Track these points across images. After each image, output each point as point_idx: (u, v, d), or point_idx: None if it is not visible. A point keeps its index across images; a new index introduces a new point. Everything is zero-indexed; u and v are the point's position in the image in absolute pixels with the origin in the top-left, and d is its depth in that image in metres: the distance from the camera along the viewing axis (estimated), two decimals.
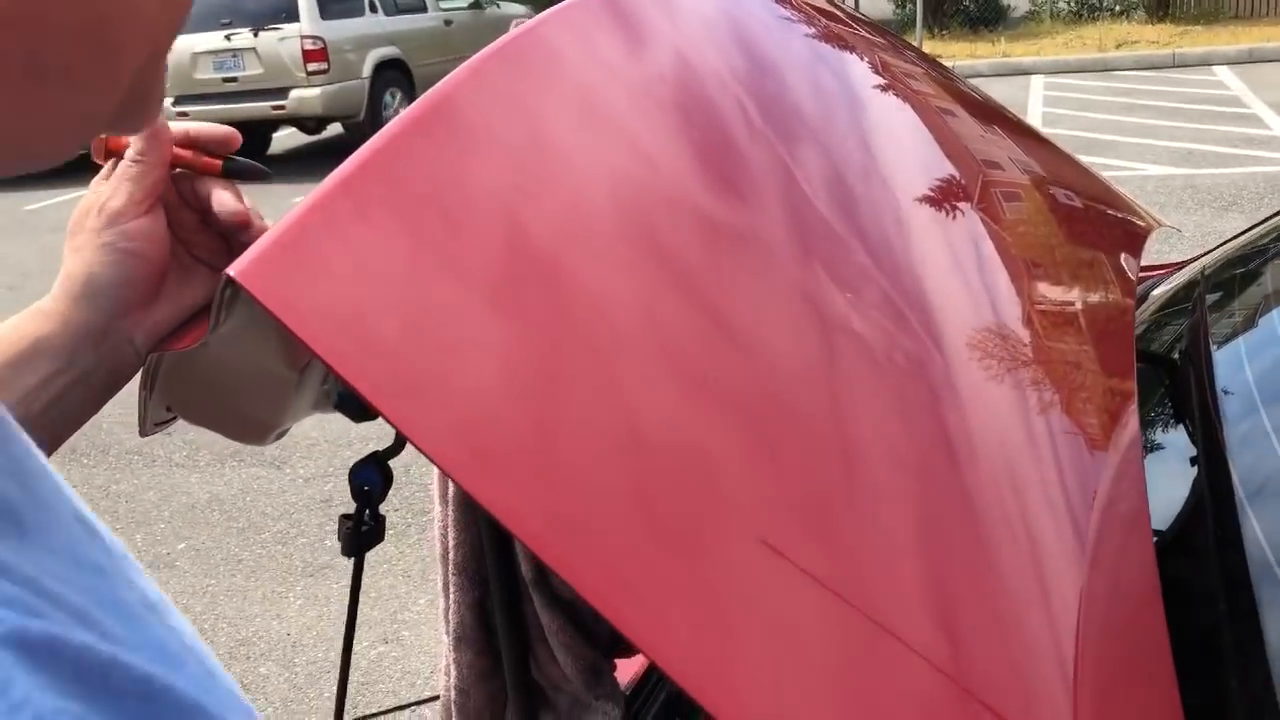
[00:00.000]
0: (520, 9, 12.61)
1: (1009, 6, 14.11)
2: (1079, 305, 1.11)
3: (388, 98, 9.93)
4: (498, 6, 12.05)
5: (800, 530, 0.58)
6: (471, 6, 11.45)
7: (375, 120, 9.64)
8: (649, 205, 0.69)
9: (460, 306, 0.51)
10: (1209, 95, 9.43)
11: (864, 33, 1.31)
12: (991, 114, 1.41)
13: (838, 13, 1.32)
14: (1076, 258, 1.26)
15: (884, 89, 1.21)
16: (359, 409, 0.71)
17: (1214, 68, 10.66)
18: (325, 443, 4.08)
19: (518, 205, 0.61)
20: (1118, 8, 13.53)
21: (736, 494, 0.57)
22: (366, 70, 9.69)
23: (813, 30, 1.19)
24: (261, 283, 0.43)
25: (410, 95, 10.21)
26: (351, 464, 0.81)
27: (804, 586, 0.55)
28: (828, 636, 0.54)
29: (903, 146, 1.12)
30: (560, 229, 0.62)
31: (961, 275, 0.98)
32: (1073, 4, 13.79)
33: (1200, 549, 0.81)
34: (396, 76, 10.07)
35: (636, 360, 0.58)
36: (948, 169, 1.16)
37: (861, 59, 1.24)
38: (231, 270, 0.43)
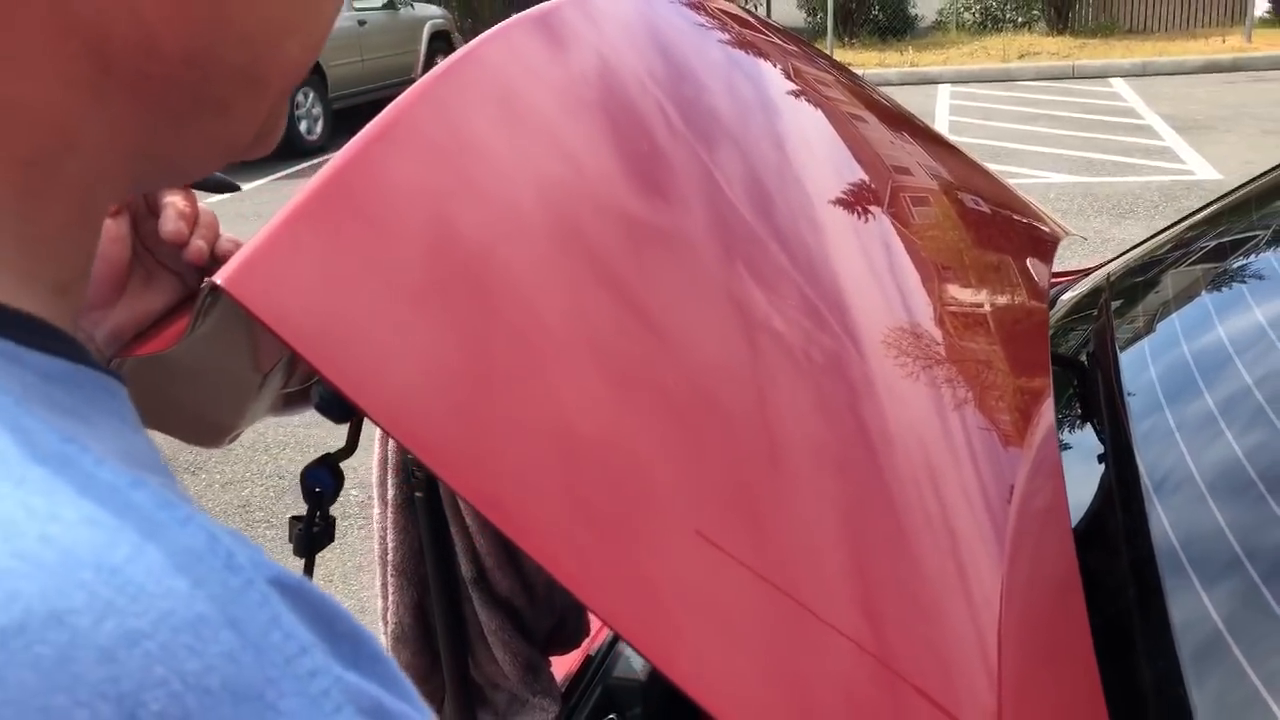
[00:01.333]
0: (434, 10, 12.52)
1: (916, 16, 14.43)
2: (996, 307, 1.17)
3: (300, 97, 9.78)
4: (412, 8, 11.94)
5: (731, 521, 0.61)
6: (385, 7, 11.33)
7: (287, 120, 9.47)
8: (582, 209, 0.72)
9: (417, 310, 0.53)
10: (1106, 106, 9.77)
11: (777, 40, 1.36)
12: (901, 121, 1.46)
13: (752, 21, 1.36)
14: (991, 262, 1.31)
15: (797, 95, 1.25)
16: (341, 411, 0.73)
17: (1110, 80, 11.05)
18: (242, 447, 4.03)
19: (465, 211, 0.63)
20: (1020, 19, 13.94)
21: (669, 487, 0.60)
22: None
23: (729, 37, 1.23)
24: (249, 291, 0.45)
25: (323, 96, 10.07)
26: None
27: (735, 573, 0.58)
28: (758, 617, 0.58)
29: (816, 150, 1.16)
30: (500, 232, 0.64)
31: (877, 276, 1.02)
32: (977, 15, 14.15)
33: (1111, 539, 0.87)
34: (310, 77, 9.92)
35: (576, 360, 0.61)
36: (860, 173, 1.21)
37: (776, 66, 1.28)
38: (218, 278, 0.45)
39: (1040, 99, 10.26)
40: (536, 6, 0.86)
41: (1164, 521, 0.80)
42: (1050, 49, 12.37)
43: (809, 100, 1.28)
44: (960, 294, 1.15)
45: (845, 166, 1.20)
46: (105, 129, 0.29)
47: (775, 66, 1.28)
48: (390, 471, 1.13)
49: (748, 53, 1.25)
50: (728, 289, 0.78)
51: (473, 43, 0.75)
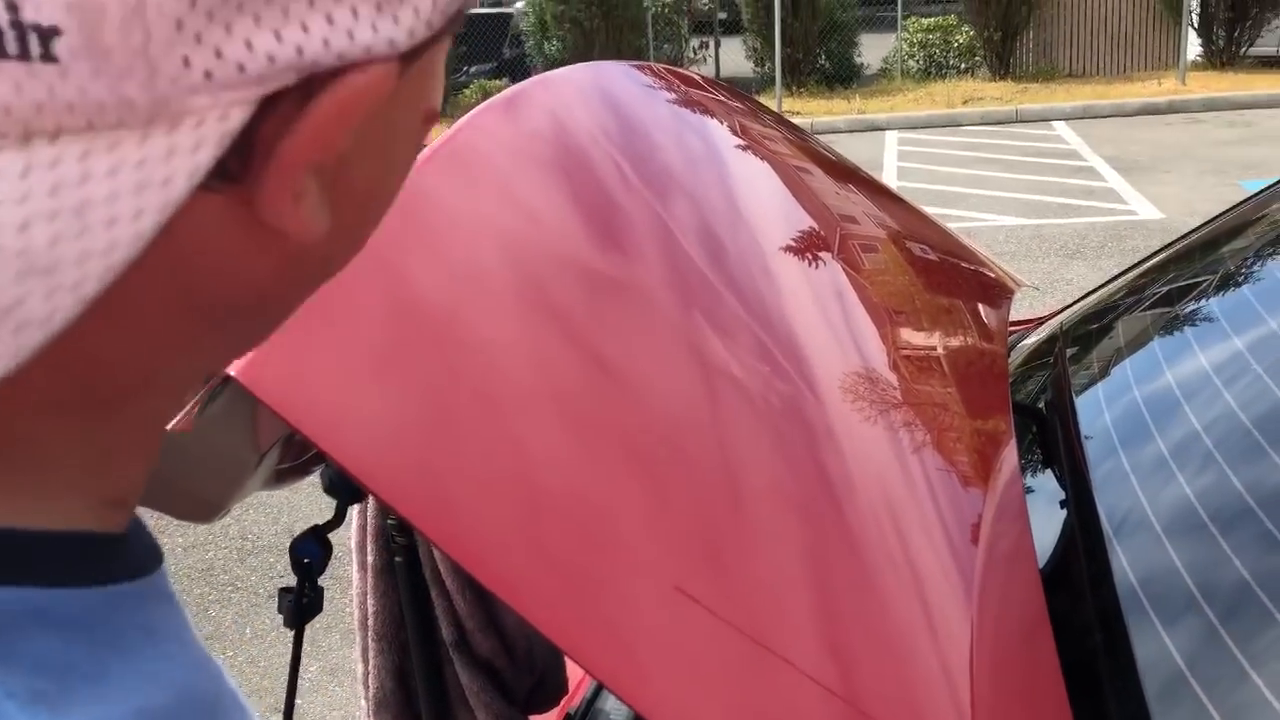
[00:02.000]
0: None
1: (862, 65, 14.70)
2: (952, 353, 1.21)
3: None
4: None
5: (700, 569, 0.63)
6: None
7: None
8: (547, 270, 0.75)
9: (403, 384, 0.56)
10: (1050, 149, 10.00)
11: (725, 99, 1.40)
12: (850, 175, 1.51)
13: (700, 81, 1.41)
14: (946, 310, 1.36)
15: (747, 150, 1.29)
16: (349, 491, 0.75)
17: (1053, 123, 11.31)
18: None
19: (456, 287, 0.66)
20: (963, 66, 14.25)
21: (638, 536, 0.62)
22: None
23: (680, 99, 1.27)
24: (263, 382, 0.47)
25: None
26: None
27: (707, 621, 0.60)
28: (724, 659, 0.60)
29: (768, 204, 1.20)
30: (480, 301, 0.67)
31: (834, 325, 1.05)
32: (921, 62, 14.45)
33: (1074, 581, 0.90)
34: None
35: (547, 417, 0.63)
36: (813, 224, 1.25)
37: (725, 124, 1.32)
38: (233, 371, 0.47)
39: (986, 143, 10.48)
40: (506, 91, 0.90)
41: (1124, 563, 0.84)
42: (993, 94, 12.66)
43: (759, 155, 1.32)
44: (916, 341, 1.19)
45: (796, 218, 1.24)
46: (188, 368, 0.31)
47: (725, 125, 1.33)
48: (370, 537, 1.14)
49: (698, 113, 1.29)
50: (689, 340, 0.80)
51: (453, 128, 0.79)
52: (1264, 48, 13.12)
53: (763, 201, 1.21)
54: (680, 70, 1.37)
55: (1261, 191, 1.56)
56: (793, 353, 0.91)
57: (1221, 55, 13.12)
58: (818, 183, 1.40)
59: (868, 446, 0.89)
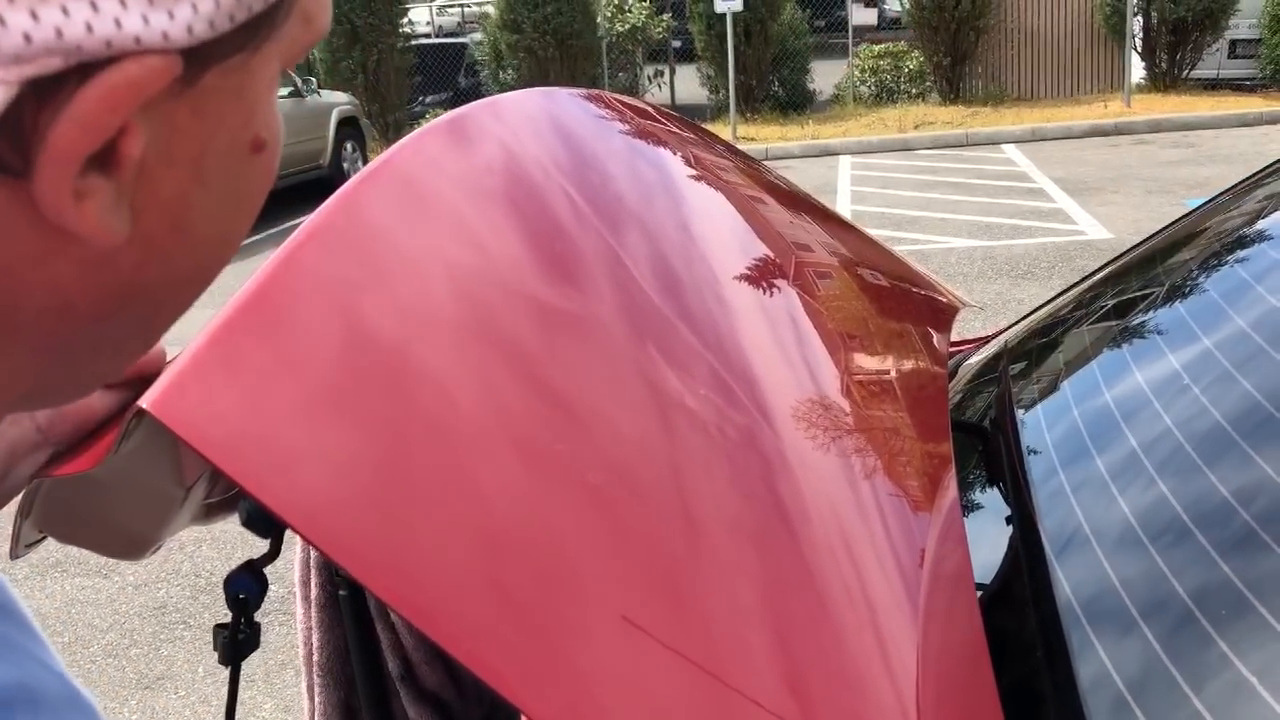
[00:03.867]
0: (341, 96, 12.56)
1: (815, 91, 14.87)
2: (896, 377, 1.21)
3: None
4: (318, 94, 11.96)
5: (654, 604, 0.62)
6: (291, 95, 11.33)
7: None
8: (496, 301, 0.75)
9: (339, 420, 0.55)
10: (1000, 171, 10.14)
11: (675, 128, 1.41)
12: (798, 201, 1.52)
13: (650, 110, 1.41)
14: (892, 333, 1.37)
15: (697, 179, 1.30)
16: (267, 526, 0.74)
17: (1003, 146, 11.48)
18: None
19: (382, 316, 0.65)
20: (914, 90, 14.44)
21: (592, 573, 0.61)
22: None
23: (630, 128, 1.27)
24: (175, 414, 0.46)
25: None
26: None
27: (662, 656, 0.59)
28: (687, 700, 0.59)
29: (718, 232, 1.20)
30: (418, 333, 0.66)
31: (783, 352, 1.05)
32: (873, 88, 14.64)
33: (1018, 601, 0.90)
34: None
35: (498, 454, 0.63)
36: (761, 251, 1.25)
37: (675, 153, 1.33)
38: (144, 403, 0.46)
39: (937, 166, 10.61)
40: (450, 112, 0.89)
41: (1064, 581, 0.84)
42: (944, 118, 12.83)
43: (708, 184, 1.32)
44: (864, 365, 1.19)
45: (746, 246, 1.24)
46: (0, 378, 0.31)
47: (675, 153, 1.33)
48: (313, 571, 1.13)
49: (648, 141, 1.29)
50: (640, 370, 0.80)
51: (389, 151, 0.78)
52: (1204, 71, 13.43)
53: (713, 230, 1.21)
54: (629, 99, 1.37)
55: (1198, 209, 1.59)
56: (746, 382, 0.91)
57: (1164, 78, 13.40)
58: (767, 210, 1.41)
59: (816, 474, 0.89)
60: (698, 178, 1.31)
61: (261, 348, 0.54)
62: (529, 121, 1.08)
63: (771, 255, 1.25)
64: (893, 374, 1.22)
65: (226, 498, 0.77)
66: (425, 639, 1.14)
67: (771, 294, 1.14)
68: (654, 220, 1.08)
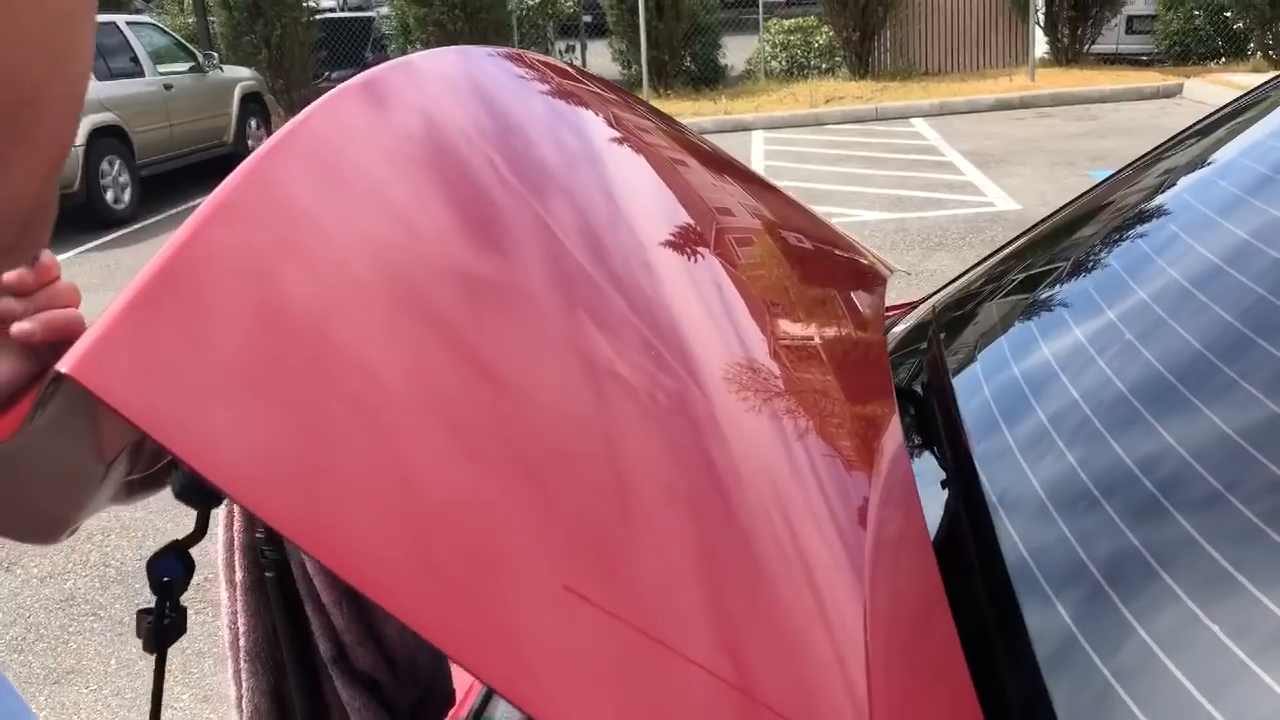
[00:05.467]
0: (245, 72, 12.23)
1: (727, 66, 14.90)
2: (833, 339, 1.21)
3: (105, 165, 9.37)
4: (220, 70, 11.62)
5: (588, 569, 0.61)
6: (192, 70, 11.00)
7: (91, 191, 9.07)
8: (418, 269, 0.72)
9: (265, 384, 0.52)
10: (910, 145, 10.28)
11: (598, 89, 1.38)
12: (725, 165, 1.51)
13: (571, 71, 1.38)
14: (825, 296, 1.36)
15: (622, 142, 1.28)
16: (202, 497, 0.69)
17: (912, 120, 11.65)
18: None
19: (304, 283, 0.62)
20: (824, 66, 14.56)
21: (526, 540, 0.59)
22: (79, 138, 9.11)
23: (551, 89, 1.24)
24: (97, 378, 0.43)
25: (130, 164, 9.67)
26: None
27: (598, 620, 0.58)
28: (620, 661, 0.58)
29: (643, 196, 1.18)
30: (338, 300, 0.63)
31: (716, 317, 1.04)
32: (784, 63, 14.72)
33: (964, 561, 0.90)
34: (114, 144, 9.52)
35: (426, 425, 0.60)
36: (690, 216, 1.24)
37: (598, 115, 1.30)
38: (63, 367, 0.42)
39: (849, 140, 10.72)
40: (362, 74, 0.85)
41: (1013, 535, 0.84)
42: (854, 93, 12.96)
43: (634, 147, 1.30)
44: (799, 328, 1.18)
45: (675, 210, 1.22)
46: None
47: (598, 115, 1.30)
48: (238, 553, 1.08)
49: (570, 103, 1.26)
50: (569, 337, 0.78)
51: (301, 114, 0.74)
52: (1104, 45, 13.78)
53: (643, 194, 1.19)
54: (548, 59, 1.34)
55: (1109, 178, 1.61)
56: (678, 347, 0.89)
57: (1067, 53, 13.72)
58: (695, 174, 1.39)
59: (754, 437, 0.88)
60: (622, 140, 1.29)
61: (184, 312, 0.50)
62: (447, 82, 1.04)
63: (701, 219, 1.24)
64: (830, 336, 1.21)
65: (148, 474, 0.73)
66: (357, 620, 1.11)
67: (702, 258, 1.12)
68: (579, 183, 1.06)
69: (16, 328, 0.57)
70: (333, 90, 0.80)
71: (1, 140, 0.30)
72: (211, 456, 0.45)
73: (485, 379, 0.67)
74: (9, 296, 0.59)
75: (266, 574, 1.07)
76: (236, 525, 1.08)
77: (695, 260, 1.11)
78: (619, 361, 0.79)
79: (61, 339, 0.57)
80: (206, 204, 0.59)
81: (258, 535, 1.06)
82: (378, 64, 0.91)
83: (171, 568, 0.77)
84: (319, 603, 1.09)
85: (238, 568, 1.09)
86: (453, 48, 1.11)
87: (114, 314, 0.46)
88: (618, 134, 1.29)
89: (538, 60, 1.32)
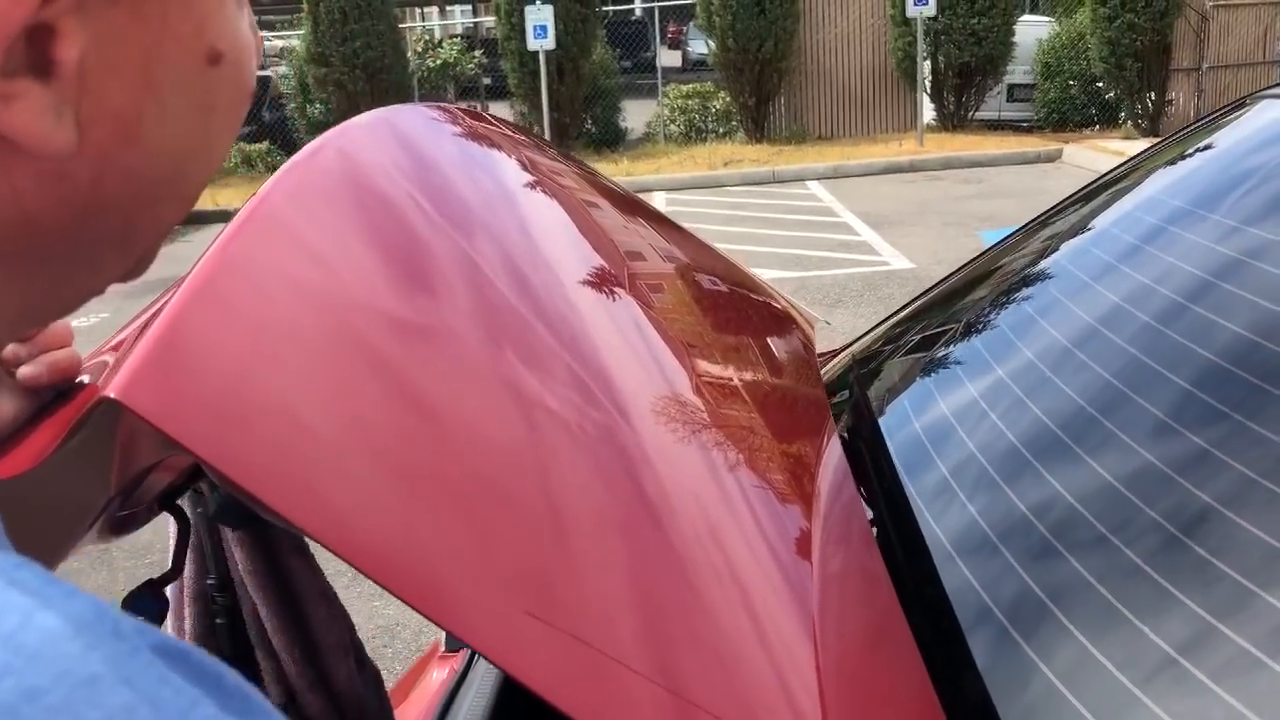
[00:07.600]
0: None
1: (627, 129, 15.14)
2: (765, 370, 1.26)
3: None
4: None
5: (525, 594, 0.63)
6: None
7: None
8: (344, 313, 0.73)
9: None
10: (807, 206, 10.56)
11: (510, 133, 1.42)
12: (642, 209, 1.56)
13: (487, 117, 1.43)
14: (759, 332, 1.42)
15: (536, 185, 1.31)
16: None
17: (807, 182, 11.97)
18: None
19: (255, 343, 0.64)
20: (721, 130, 14.91)
21: (461, 578, 0.61)
22: None
23: (465, 132, 1.28)
24: (146, 401, 0.45)
25: None
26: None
27: (555, 638, 0.60)
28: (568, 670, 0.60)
29: (562, 237, 1.21)
30: (259, 351, 0.64)
31: (640, 354, 1.08)
32: (682, 127, 15.02)
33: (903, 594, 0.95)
34: None
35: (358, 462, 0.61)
36: (617, 255, 1.27)
37: (512, 158, 1.34)
38: (112, 392, 0.45)
39: (748, 202, 10.97)
40: (309, 147, 0.85)
41: (937, 533, 0.90)
42: (751, 156, 13.29)
43: (548, 191, 1.34)
44: (728, 365, 1.23)
45: (592, 250, 1.25)
46: None
47: (512, 158, 1.34)
48: (188, 600, 1.08)
49: (486, 146, 1.30)
50: (499, 373, 0.79)
51: (259, 196, 0.74)
52: (987, 112, 14.41)
53: (562, 237, 1.22)
54: (488, 115, 1.38)
55: (1001, 241, 1.72)
56: (603, 382, 0.92)
57: (952, 119, 14.29)
58: (617, 219, 1.43)
59: (688, 467, 0.92)
60: (536, 184, 1.33)
61: (223, 331, 0.53)
62: (380, 141, 1.07)
63: (632, 260, 1.28)
64: (763, 366, 1.26)
65: (134, 511, 0.74)
66: (307, 666, 1.11)
67: (630, 296, 1.16)
68: (499, 224, 1.08)
69: (23, 372, 0.59)
70: (285, 166, 0.79)
71: (110, 251, 0.33)
72: (265, 478, 0.47)
73: (417, 416, 0.69)
74: (14, 340, 0.60)
75: (217, 620, 1.07)
76: (187, 572, 1.08)
77: (621, 297, 1.14)
78: (549, 395, 0.81)
79: (63, 380, 0.59)
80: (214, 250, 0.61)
81: (209, 582, 1.06)
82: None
83: (147, 606, 0.78)
84: (270, 649, 1.09)
85: (187, 615, 1.09)
86: (389, 109, 1.13)
87: (155, 337, 0.48)
88: (533, 178, 1.34)
89: (460, 110, 1.36)
